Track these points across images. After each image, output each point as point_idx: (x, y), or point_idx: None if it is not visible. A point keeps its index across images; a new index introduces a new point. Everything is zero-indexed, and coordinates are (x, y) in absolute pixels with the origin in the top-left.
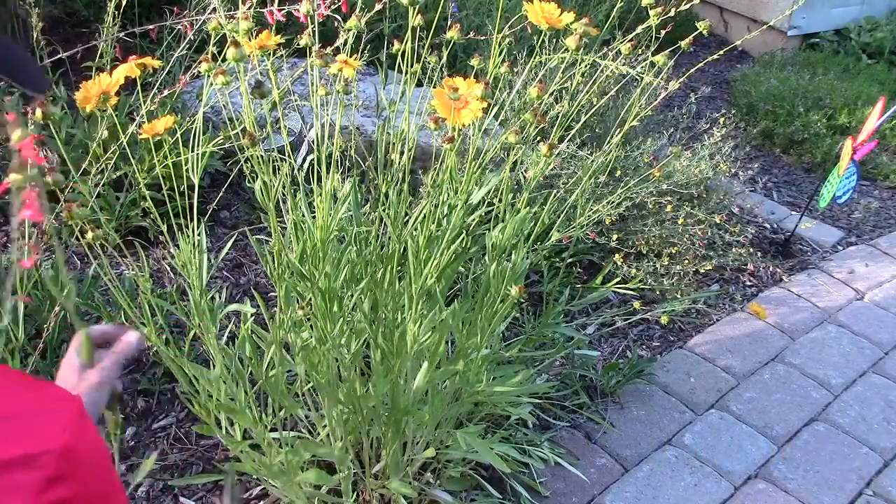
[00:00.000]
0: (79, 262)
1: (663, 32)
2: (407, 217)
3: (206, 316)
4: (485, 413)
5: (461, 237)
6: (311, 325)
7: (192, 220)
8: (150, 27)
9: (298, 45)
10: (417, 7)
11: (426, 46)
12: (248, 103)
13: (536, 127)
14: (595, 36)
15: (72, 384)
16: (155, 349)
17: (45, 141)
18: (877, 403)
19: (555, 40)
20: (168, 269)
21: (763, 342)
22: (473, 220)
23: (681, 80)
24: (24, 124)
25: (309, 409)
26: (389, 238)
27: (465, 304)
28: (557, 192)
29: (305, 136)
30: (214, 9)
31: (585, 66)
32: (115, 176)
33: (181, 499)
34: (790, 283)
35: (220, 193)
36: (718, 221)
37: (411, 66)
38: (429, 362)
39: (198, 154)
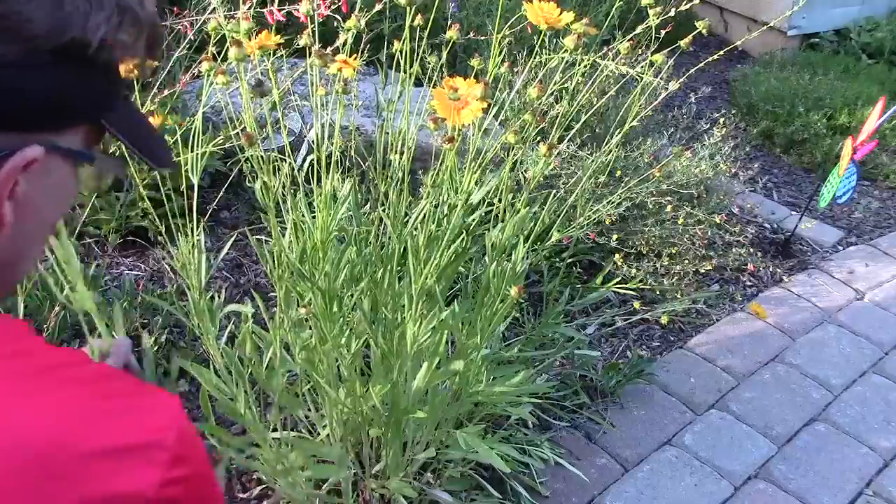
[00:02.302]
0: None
1: (663, 32)
2: (406, 217)
3: (205, 316)
4: (485, 413)
5: (461, 237)
6: (311, 326)
7: (191, 220)
8: None
9: (298, 45)
10: (416, 7)
11: (425, 46)
12: (248, 103)
13: (536, 127)
14: (595, 36)
15: None
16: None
17: None
18: (877, 403)
19: (555, 40)
20: (168, 269)
21: (763, 342)
22: (473, 220)
23: (681, 80)
24: None
25: (309, 409)
26: (389, 238)
27: (465, 304)
28: (557, 192)
29: (305, 137)
30: (214, 9)
31: (585, 66)
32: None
33: None
34: (790, 283)
35: (220, 193)
36: (718, 221)
37: (411, 67)
38: (429, 362)
39: (198, 154)
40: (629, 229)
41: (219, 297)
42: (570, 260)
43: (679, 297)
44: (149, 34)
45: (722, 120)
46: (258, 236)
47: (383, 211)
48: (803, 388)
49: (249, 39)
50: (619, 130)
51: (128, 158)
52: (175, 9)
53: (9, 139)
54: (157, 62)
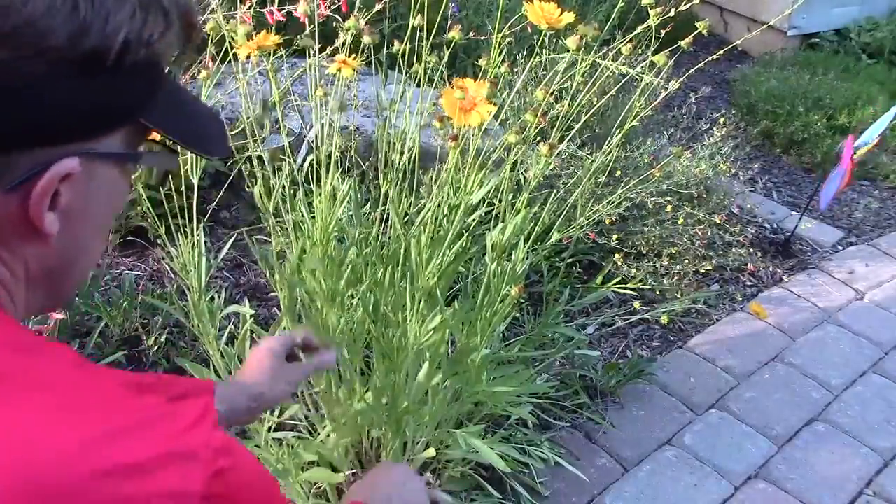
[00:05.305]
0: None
1: (663, 32)
2: (407, 217)
3: (205, 316)
4: (485, 413)
5: (462, 237)
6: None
7: (191, 220)
8: None
9: (298, 45)
10: (417, 7)
11: (426, 47)
12: (248, 104)
13: (537, 127)
14: (595, 36)
15: (264, 374)
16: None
17: None
18: (877, 403)
19: (555, 40)
20: (168, 269)
21: (763, 342)
22: (473, 220)
23: (681, 80)
24: None
25: (309, 409)
26: (390, 238)
27: (466, 304)
28: (557, 192)
29: (305, 137)
30: (214, 10)
31: (586, 66)
32: None
33: None
34: (790, 283)
35: (220, 193)
36: (718, 221)
37: (410, 67)
38: (429, 362)
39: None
40: (629, 229)
41: (219, 297)
42: (570, 260)
43: (679, 297)
44: (183, 24)
45: (722, 120)
46: (258, 237)
47: (390, 210)
48: (803, 388)
49: (249, 40)
50: (619, 130)
51: (178, 150)
52: None
53: (42, 154)
54: (202, 51)
